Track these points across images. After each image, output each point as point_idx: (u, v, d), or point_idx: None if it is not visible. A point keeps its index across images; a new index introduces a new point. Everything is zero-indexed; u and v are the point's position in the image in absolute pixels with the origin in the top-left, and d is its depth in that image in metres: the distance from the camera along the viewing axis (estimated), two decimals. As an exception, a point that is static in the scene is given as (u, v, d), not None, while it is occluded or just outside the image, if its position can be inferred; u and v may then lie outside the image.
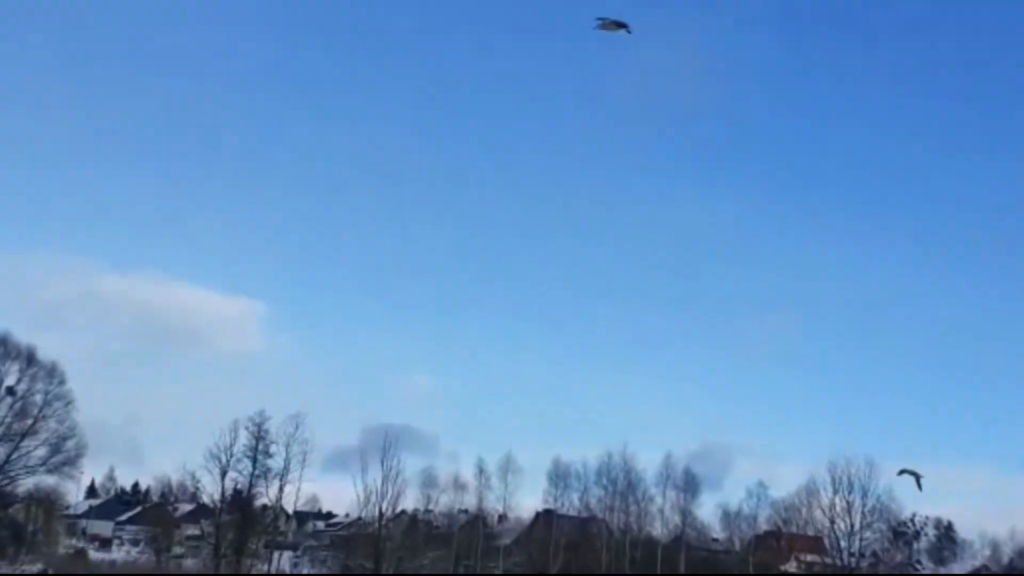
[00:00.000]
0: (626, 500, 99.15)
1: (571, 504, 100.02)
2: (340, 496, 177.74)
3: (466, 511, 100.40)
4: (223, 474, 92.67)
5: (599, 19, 18.03)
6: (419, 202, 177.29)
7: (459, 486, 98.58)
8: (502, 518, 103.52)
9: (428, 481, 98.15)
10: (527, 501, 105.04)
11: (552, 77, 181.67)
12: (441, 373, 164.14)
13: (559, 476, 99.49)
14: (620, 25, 18.10)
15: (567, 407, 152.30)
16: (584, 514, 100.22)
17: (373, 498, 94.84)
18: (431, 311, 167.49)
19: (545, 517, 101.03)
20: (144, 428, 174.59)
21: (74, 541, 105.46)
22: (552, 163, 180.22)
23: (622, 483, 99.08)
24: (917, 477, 26.27)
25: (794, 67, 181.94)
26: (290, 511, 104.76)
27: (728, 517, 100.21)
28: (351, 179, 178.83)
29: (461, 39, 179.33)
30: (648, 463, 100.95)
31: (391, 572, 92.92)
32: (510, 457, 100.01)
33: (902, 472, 26.49)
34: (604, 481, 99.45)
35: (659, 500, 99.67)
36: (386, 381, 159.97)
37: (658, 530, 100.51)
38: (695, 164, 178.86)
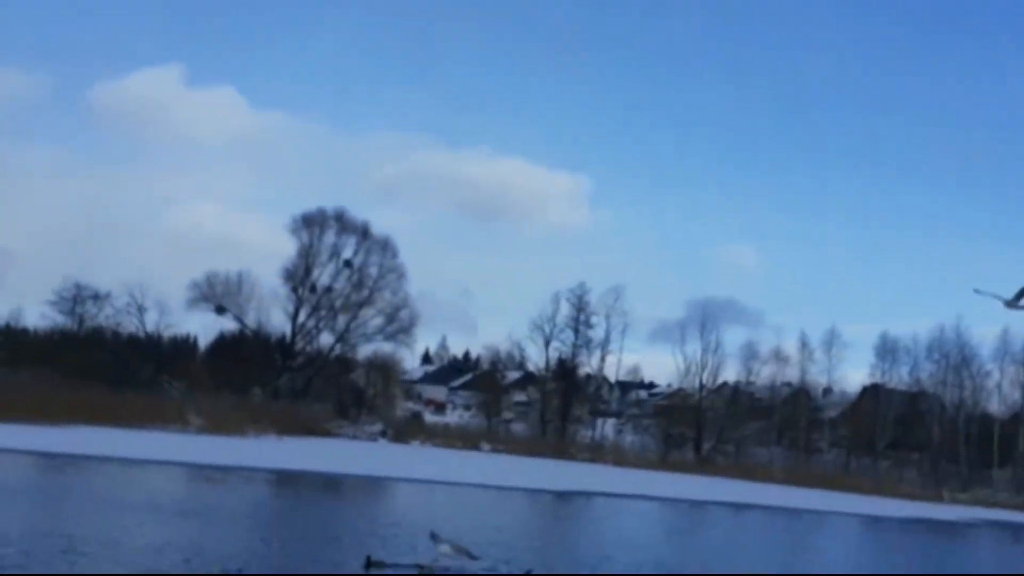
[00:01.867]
0: (959, 375, 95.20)
1: (900, 379, 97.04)
2: (662, 367, 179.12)
3: (789, 384, 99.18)
4: (547, 344, 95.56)
5: None
6: (742, 64, 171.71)
7: (781, 359, 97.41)
8: (826, 392, 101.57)
9: (750, 354, 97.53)
10: (852, 375, 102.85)
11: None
12: (765, 245, 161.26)
13: (887, 350, 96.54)
14: None
15: (895, 279, 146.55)
16: (913, 389, 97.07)
17: (694, 369, 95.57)
18: (755, 180, 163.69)
19: (872, 391, 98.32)
20: (473, 300, 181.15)
21: (411, 404, 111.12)
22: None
23: (955, 357, 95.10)
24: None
25: None
26: (612, 380, 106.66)
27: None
28: (671, 46, 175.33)
29: None
30: (984, 337, 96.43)
31: (713, 442, 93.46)
32: (834, 330, 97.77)
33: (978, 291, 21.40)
34: (936, 355, 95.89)
35: (996, 376, 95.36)
36: (709, 254, 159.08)
37: (995, 407, 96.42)
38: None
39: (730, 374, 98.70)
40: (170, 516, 28.36)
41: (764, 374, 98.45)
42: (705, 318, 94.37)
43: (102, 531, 23.88)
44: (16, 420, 54.71)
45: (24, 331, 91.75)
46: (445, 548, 20.84)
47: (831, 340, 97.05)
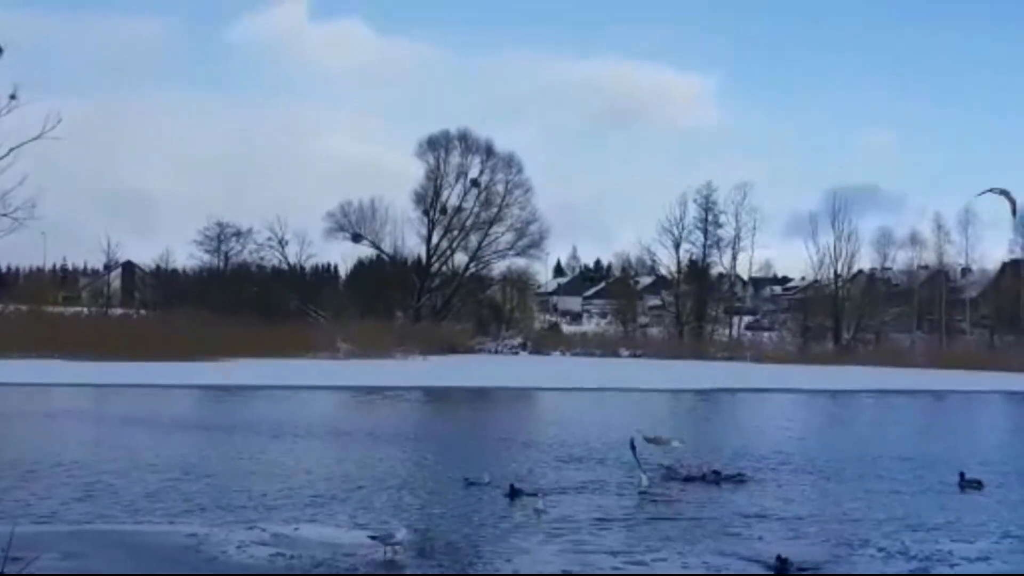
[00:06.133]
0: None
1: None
2: (796, 261, 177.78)
3: (926, 267, 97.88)
4: (676, 246, 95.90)
5: None
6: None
7: (917, 242, 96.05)
8: (965, 271, 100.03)
9: (885, 240, 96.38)
10: (992, 253, 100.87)
11: None
12: (900, 127, 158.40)
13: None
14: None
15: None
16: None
17: (828, 259, 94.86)
18: (887, 59, 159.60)
19: (1013, 268, 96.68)
20: (601, 207, 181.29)
21: (547, 316, 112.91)
22: None
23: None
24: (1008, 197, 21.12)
25: None
26: (745, 278, 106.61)
27: None
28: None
29: None
30: None
31: (852, 331, 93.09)
32: (969, 209, 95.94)
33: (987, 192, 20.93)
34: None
35: None
36: (844, 142, 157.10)
37: None
38: None
39: (865, 262, 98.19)
40: (341, 437, 29.99)
41: (900, 259, 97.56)
42: (837, 207, 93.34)
43: (284, 456, 25.55)
44: (174, 358, 57.46)
45: (174, 272, 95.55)
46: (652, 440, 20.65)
47: (967, 219, 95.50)
